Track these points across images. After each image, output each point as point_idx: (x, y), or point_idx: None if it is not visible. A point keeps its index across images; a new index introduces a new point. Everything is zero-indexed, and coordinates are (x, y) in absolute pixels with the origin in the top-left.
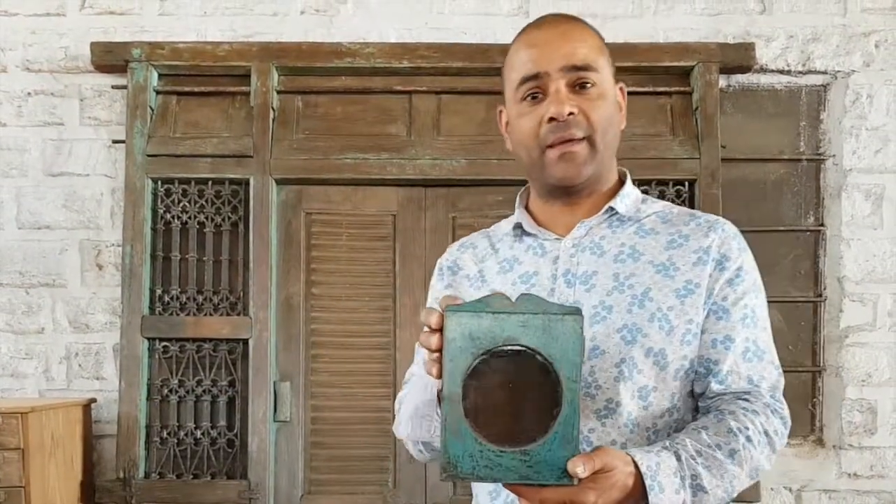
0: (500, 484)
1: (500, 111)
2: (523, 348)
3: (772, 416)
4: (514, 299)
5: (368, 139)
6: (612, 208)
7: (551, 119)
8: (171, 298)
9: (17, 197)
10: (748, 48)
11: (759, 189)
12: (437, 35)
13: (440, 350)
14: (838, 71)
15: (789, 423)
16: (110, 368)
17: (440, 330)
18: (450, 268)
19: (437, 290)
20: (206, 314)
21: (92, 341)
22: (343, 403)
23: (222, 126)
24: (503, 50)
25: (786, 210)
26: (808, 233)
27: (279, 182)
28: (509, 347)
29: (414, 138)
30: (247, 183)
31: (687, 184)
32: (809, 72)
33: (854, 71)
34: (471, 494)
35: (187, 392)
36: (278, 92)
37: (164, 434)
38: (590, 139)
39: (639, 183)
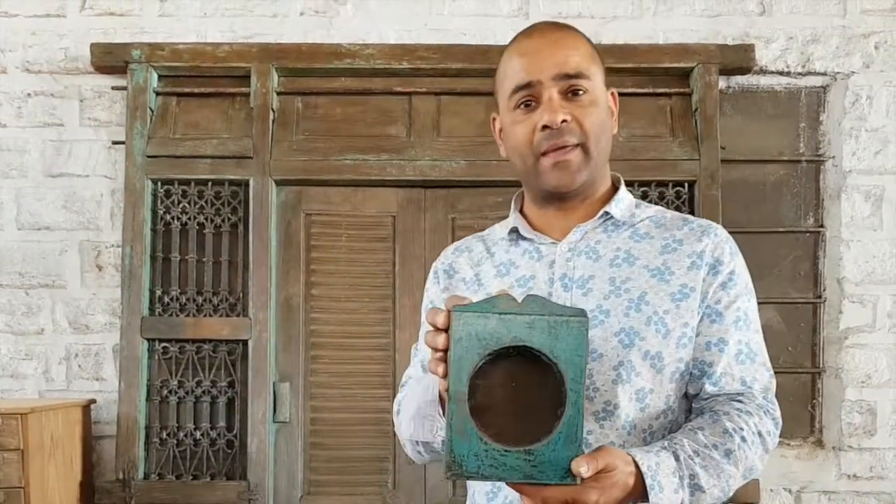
0: (498, 484)
1: (494, 118)
2: (529, 349)
3: (764, 416)
4: (519, 300)
5: (368, 140)
6: (607, 213)
7: (545, 127)
8: (171, 299)
9: (16, 198)
10: (748, 49)
11: (758, 190)
12: (437, 36)
13: (446, 350)
14: (838, 72)
15: (780, 423)
16: (110, 369)
17: (446, 330)
18: (445, 271)
19: (433, 294)
20: (205, 315)
21: (92, 342)
22: (342, 404)
23: (222, 127)
24: (503, 51)
25: (785, 211)
26: (808, 234)
27: (279, 183)
28: (515, 348)
29: (413, 139)
30: (246, 184)
31: (686, 185)
32: (809, 73)
33: (854, 72)
34: None
35: (187, 393)
36: (278, 93)
37: (164, 435)
38: (583, 146)
39: (638, 184)
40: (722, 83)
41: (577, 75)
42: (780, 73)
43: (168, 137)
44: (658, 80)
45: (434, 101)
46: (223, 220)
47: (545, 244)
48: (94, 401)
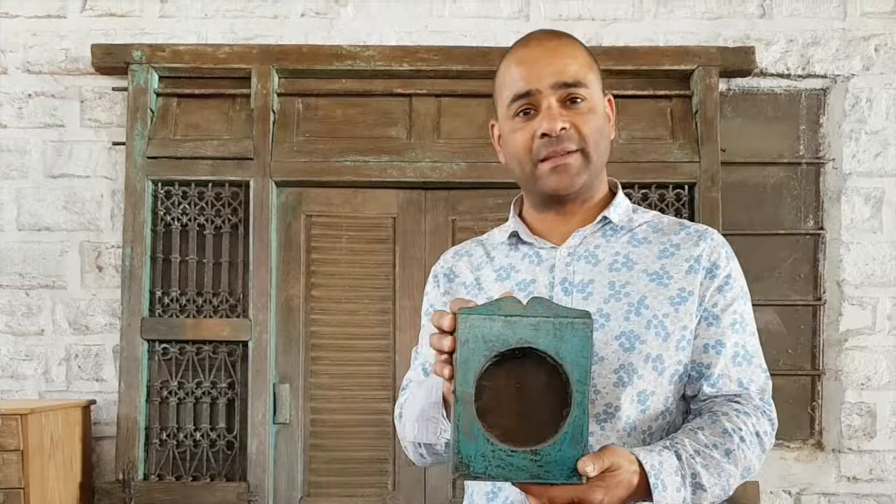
0: (498, 485)
1: (493, 125)
2: (534, 350)
3: (761, 417)
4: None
5: (368, 142)
6: (605, 217)
7: (544, 135)
8: (171, 300)
9: (17, 198)
10: (748, 52)
11: (758, 193)
12: (438, 38)
13: (452, 352)
14: (838, 75)
15: (776, 424)
16: (110, 370)
17: (452, 332)
18: (446, 275)
19: (433, 297)
20: (205, 316)
21: (92, 343)
22: (342, 406)
23: (222, 128)
24: (503, 53)
25: (785, 214)
26: (808, 236)
27: (279, 184)
28: (521, 349)
29: (414, 141)
30: (247, 185)
31: (687, 187)
32: (809, 76)
33: (854, 75)
34: None
35: (187, 394)
36: (278, 94)
37: (164, 436)
38: (583, 151)
39: (638, 186)
40: (722, 85)
41: (575, 84)
42: (781, 76)
43: (168, 138)
44: (658, 82)
45: (434, 103)
46: (223, 222)
47: (545, 248)
48: (94, 401)
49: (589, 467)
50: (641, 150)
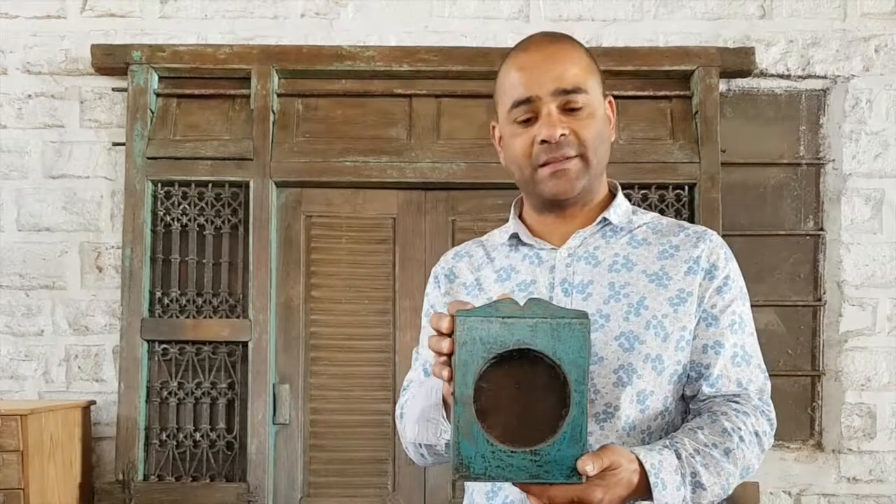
0: (498, 484)
1: (494, 127)
2: (532, 351)
3: (760, 417)
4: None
5: (368, 142)
6: (605, 219)
7: (543, 141)
8: (171, 301)
9: (17, 199)
10: (748, 52)
11: (758, 193)
12: (438, 38)
13: (451, 354)
14: (838, 75)
15: (775, 424)
16: (110, 370)
17: (450, 334)
18: (446, 276)
19: (434, 298)
20: (205, 316)
21: (91, 343)
22: (342, 406)
23: (222, 129)
24: (503, 54)
25: (786, 214)
26: (808, 237)
27: (279, 185)
28: (519, 350)
29: (414, 141)
30: (247, 185)
31: (687, 188)
32: (809, 76)
33: (854, 75)
34: None
35: (187, 394)
36: (278, 95)
37: (164, 436)
38: (582, 156)
39: (639, 187)
40: (722, 86)
41: (575, 90)
42: (781, 77)
43: (168, 139)
44: (658, 82)
45: (434, 104)
46: (223, 222)
47: (545, 250)
48: (93, 402)
49: (588, 466)
50: (641, 150)
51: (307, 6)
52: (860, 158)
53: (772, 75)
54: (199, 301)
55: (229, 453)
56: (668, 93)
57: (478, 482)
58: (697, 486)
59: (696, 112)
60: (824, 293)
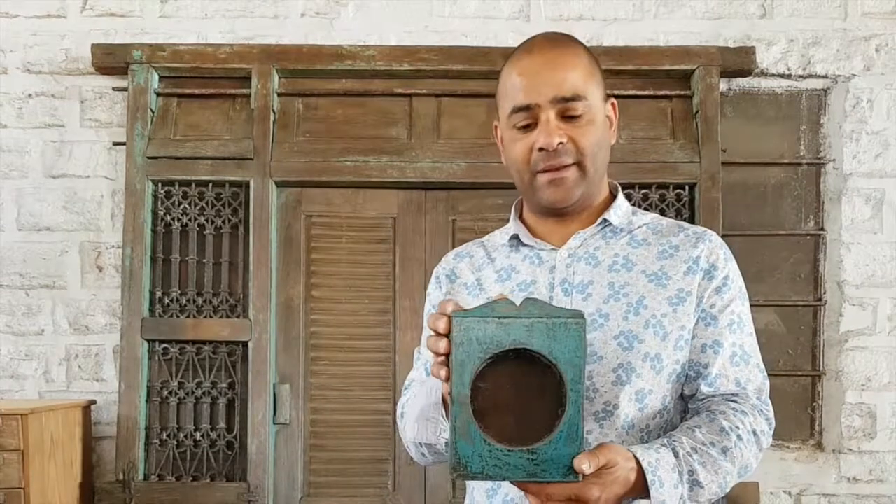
0: (497, 482)
1: (496, 126)
2: (529, 351)
3: (759, 416)
4: (517, 304)
5: (369, 142)
6: (605, 220)
7: (542, 148)
8: (171, 300)
9: (17, 199)
10: (749, 52)
11: (759, 193)
12: (438, 38)
13: (448, 354)
14: (839, 75)
15: (774, 423)
16: (110, 370)
17: (448, 335)
18: (447, 276)
19: (435, 298)
20: (205, 316)
21: (92, 343)
22: (342, 406)
23: (223, 128)
24: (504, 53)
25: (786, 214)
26: (809, 237)
27: (279, 184)
28: (515, 350)
29: (414, 141)
30: (247, 185)
31: (687, 187)
32: (810, 76)
33: (854, 75)
34: None
35: (187, 394)
36: (279, 94)
37: (164, 436)
38: (579, 164)
39: (639, 187)
40: (723, 86)
41: (574, 97)
42: (781, 76)
43: (169, 138)
44: (659, 82)
45: (435, 103)
46: (223, 222)
47: (545, 250)
48: (94, 402)
49: (584, 465)
50: (642, 150)
51: (307, 6)
52: (861, 158)
53: (772, 75)
54: (200, 301)
55: (229, 453)
56: (668, 92)
57: (476, 481)
58: (695, 484)
59: (697, 112)
60: (825, 293)
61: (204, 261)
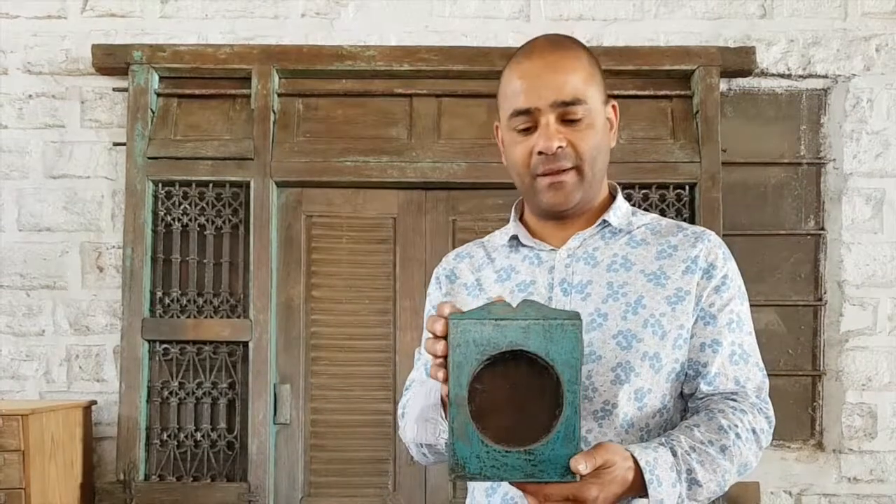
0: (496, 482)
1: (497, 126)
2: (525, 352)
3: (758, 415)
4: (514, 306)
5: (369, 142)
6: (605, 221)
7: (541, 152)
8: (172, 301)
9: (17, 199)
10: (749, 52)
11: (759, 193)
12: (438, 38)
13: (446, 356)
14: (839, 75)
15: (773, 422)
16: (111, 370)
17: (445, 337)
18: (447, 276)
19: (435, 299)
20: (206, 316)
21: (92, 343)
22: (343, 406)
23: (223, 129)
24: (504, 53)
25: (786, 214)
26: (809, 237)
27: (280, 184)
28: (512, 352)
29: (414, 141)
30: (247, 185)
31: (687, 187)
32: (810, 76)
33: (855, 75)
34: None
35: (187, 394)
36: (279, 94)
37: (165, 436)
38: (578, 168)
39: (639, 187)
40: (723, 86)
41: (574, 101)
42: (781, 76)
43: (169, 139)
44: (659, 82)
45: (435, 103)
46: (224, 222)
47: (545, 251)
48: (94, 402)
49: (581, 465)
50: (642, 150)
51: (307, 6)
52: (861, 158)
53: (772, 75)
54: (200, 301)
55: (230, 453)
56: (668, 92)
57: (474, 481)
58: (693, 482)
59: (697, 112)
60: (825, 293)
61: (204, 261)
